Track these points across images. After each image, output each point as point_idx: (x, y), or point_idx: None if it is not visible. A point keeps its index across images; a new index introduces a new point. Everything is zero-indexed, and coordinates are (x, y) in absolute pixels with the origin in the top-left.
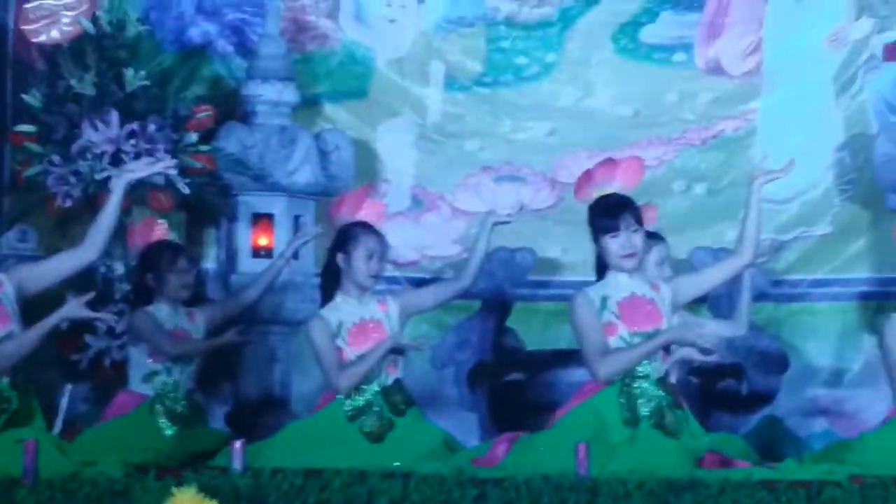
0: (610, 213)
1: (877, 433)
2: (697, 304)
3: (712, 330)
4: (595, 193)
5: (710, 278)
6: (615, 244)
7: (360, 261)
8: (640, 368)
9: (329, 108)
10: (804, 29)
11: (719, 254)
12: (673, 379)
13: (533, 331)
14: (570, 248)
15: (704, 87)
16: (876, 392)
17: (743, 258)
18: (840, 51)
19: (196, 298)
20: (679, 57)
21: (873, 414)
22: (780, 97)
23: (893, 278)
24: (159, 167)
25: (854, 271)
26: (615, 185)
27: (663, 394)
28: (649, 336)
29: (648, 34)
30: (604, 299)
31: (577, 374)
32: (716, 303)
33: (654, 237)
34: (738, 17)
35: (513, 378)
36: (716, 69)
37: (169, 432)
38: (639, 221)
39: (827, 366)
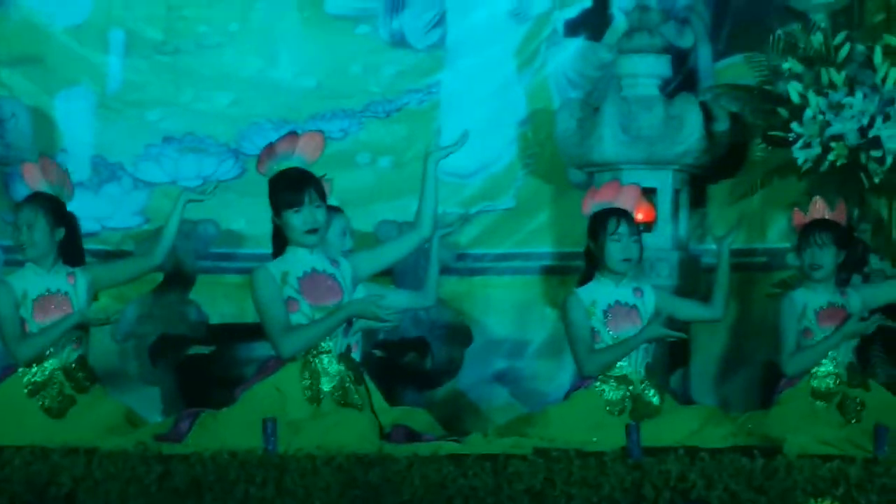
0: (292, 187)
1: (560, 406)
2: (383, 276)
3: (395, 301)
4: (276, 167)
5: (390, 253)
6: (298, 219)
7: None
8: (322, 344)
9: (4, 75)
10: (487, 3)
11: (405, 227)
12: (357, 353)
13: (217, 304)
14: (254, 220)
15: (388, 59)
16: (559, 365)
17: (421, 233)
18: (522, 25)
19: None
20: (363, 28)
21: (556, 387)
22: (463, 71)
23: (576, 252)
24: None
25: (537, 245)
26: (296, 158)
27: (345, 369)
28: (330, 311)
29: (333, 5)
30: (284, 275)
31: (261, 348)
32: (402, 275)
33: (332, 210)
34: None
35: (196, 352)
36: (400, 42)
37: None
38: (322, 197)
39: (510, 339)
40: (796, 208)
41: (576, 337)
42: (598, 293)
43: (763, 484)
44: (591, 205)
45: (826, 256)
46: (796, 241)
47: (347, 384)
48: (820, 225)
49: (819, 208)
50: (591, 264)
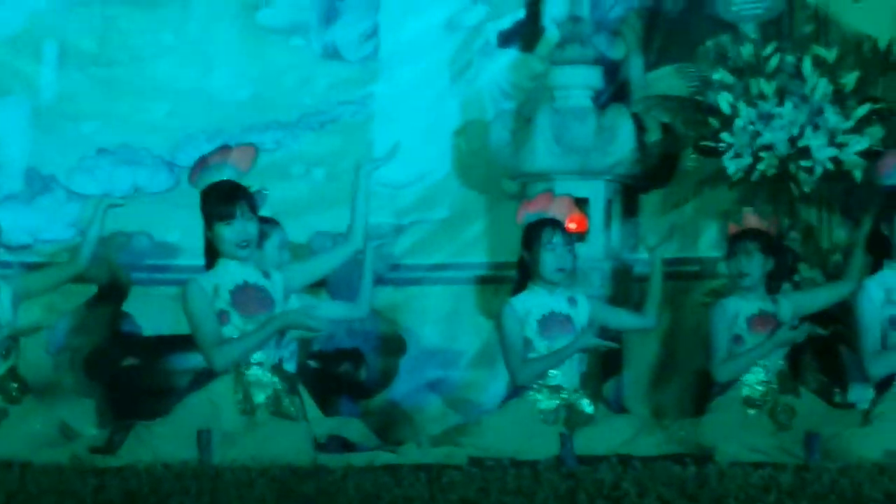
0: (224, 200)
1: (494, 415)
2: (317, 287)
3: (327, 312)
4: (208, 179)
5: (322, 265)
6: (229, 232)
7: None
8: (253, 356)
9: None
10: (420, 14)
11: (339, 238)
12: (291, 364)
13: (151, 315)
14: (189, 232)
15: (322, 71)
16: (493, 375)
17: (353, 245)
18: (455, 37)
19: None
20: (297, 41)
21: (491, 396)
22: (397, 82)
23: (510, 262)
24: None
25: (471, 255)
26: (228, 170)
27: (278, 380)
28: (262, 322)
29: (266, 17)
30: (216, 287)
31: (195, 360)
32: (336, 286)
33: (269, 222)
34: (354, 2)
35: (130, 363)
36: (333, 54)
37: None
38: (254, 209)
39: (444, 349)
40: (731, 223)
41: (509, 347)
42: (532, 303)
43: (695, 492)
44: (525, 215)
45: (753, 265)
46: (726, 250)
47: (281, 395)
48: (747, 234)
49: (751, 220)
50: (523, 274)
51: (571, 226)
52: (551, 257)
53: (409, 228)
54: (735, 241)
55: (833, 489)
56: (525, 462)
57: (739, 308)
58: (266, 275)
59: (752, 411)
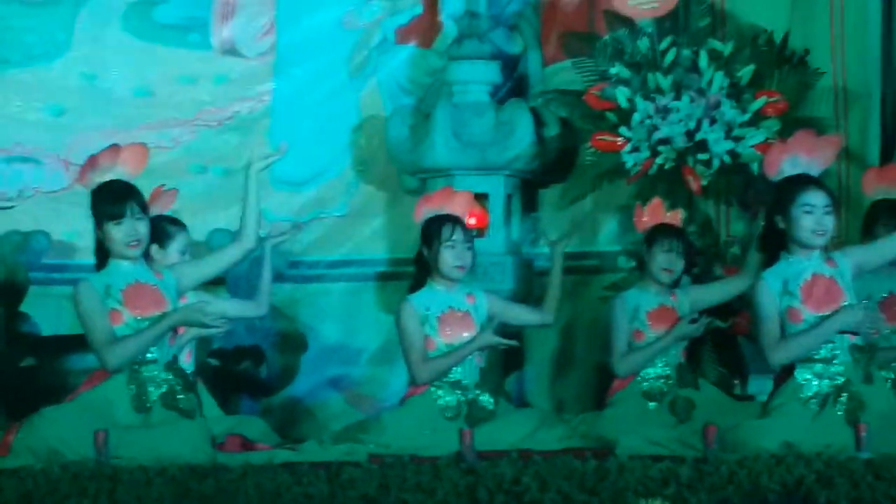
0: (113, 199)
1: (394, 412)
2: (216, 285)
3: (224, 309)
4: (98, 179)
5: (214, 264)
6: (119, 232)
7: None
8: (147, 354)
9: None
10: (317, 11)
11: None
12: (189, 361)
13: (48, 315)
14: (85, 230)
15: (219, 68)
16: (393, 371)
17: (245, 244)
18: (353, 33)
19: None
20: (193, 37)
21: (391, 393)
22: (294, 79)
23: (409, 258)
24: None
25: (371, 252)
26: (119, 170)
27: (173, 377)
28: (155, 320)
29: (162, 14)
30: (107, 287)
31: (93, 360)
32: (234, 283)
33: (175, 224)
34: None
35: (28, 364)
36: (230, 50)
37: None
38: (143, 209)
39: (344, 346)
40: (638, 205)
41: (409, 345)
42: (432, 300)
43: (595, 485)
44: (425, 211)
45: (679, 262)
46: (643, 240)
47: (177, 392)
48: (673, 230)
49: (659, 210)
50: (422, 271)
51: (471, 221)
52: (452, 254)
53: (308, 225)
54: (661, 236)
55: (731, 480)
56: (425, 458)
57: (640, 301)
58: (158, 274)
59: (651, 404)
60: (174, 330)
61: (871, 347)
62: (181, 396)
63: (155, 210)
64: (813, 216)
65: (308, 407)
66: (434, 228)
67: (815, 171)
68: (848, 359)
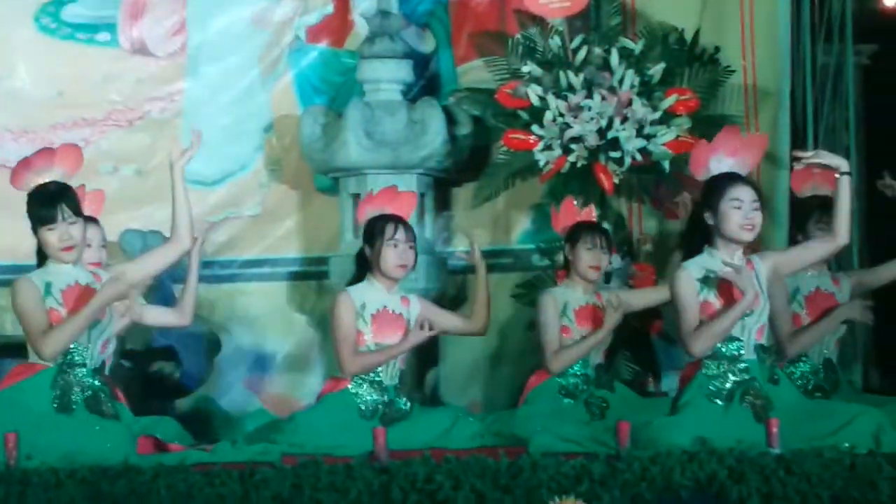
0: (45, 204)
1: (308, 412)
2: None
3: (153, 318)
4: (34, 181)
5: (149, 265)
6: (52, 236)
7: None
8: (76, 357)
9: None
10: (228, 9)
11: (149, 236)
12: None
13: None
14: (2, 231)
15: (129, 67)
16: (308, 371)
17: (180, 243)
18: (264, 32)
19: None
20: (103, 37)
21: (306, 393)
22: (205, 78)
23: (322, 257)
24: None
25: (284, 251)
26: (56, 172)
27: (99, 384)
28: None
29: (71, 13)
30: (48, 286)
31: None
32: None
33: (89, 220)
34: None
35: None
36: (141, 49)
37: None
38: (76, 212)
39: (259, 346)
40: (553, 207)
41: (342, 336)
42: (368, 297)
43: (509, 483)
44: (368, 211)
45: (605, 258)
46: (565, 239)
47: (101, 399)
48: (594, 227)
49: (572, 209)
50: (362, 269)
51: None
52: (393, 253)
53: (220, 225)
54: (587, 234)
55: (644, 477)
56: (339, 458)
57: (568, 298)
58: (97, 275)
59: (568, 401)
60: (101, 331)
61: (775, 349)
62: (106, 403)
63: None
64: (741, 211)
65: (223, 408)
66: (377, 227)
67: (740, 170)
68: (753, 358)
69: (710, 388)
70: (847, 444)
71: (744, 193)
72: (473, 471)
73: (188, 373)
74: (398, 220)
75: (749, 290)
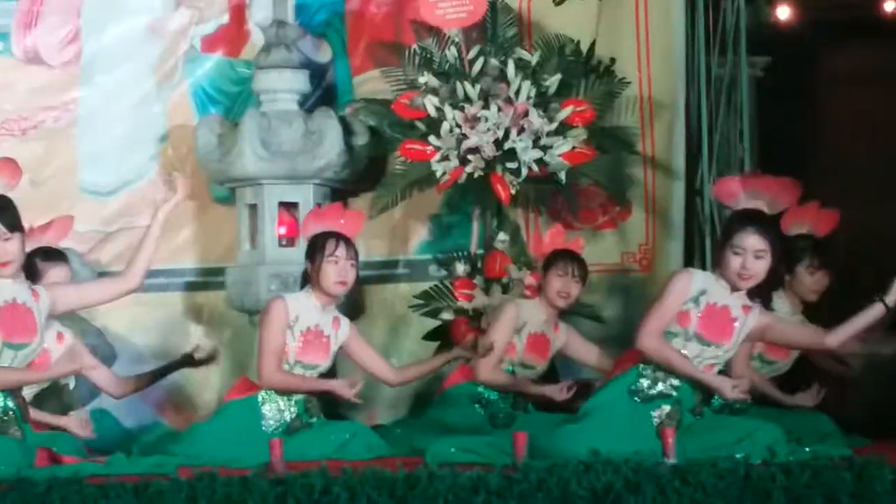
0: None
1: (206, 424)
2: None
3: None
4: None
5: (93, 295)
6: None
7: None
8: None
9: None
10: (123, 18)
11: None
12: None
13: None
14: None
15: (22, 76)
16: (205, 382)
17: (131, 282)
18: (159, 41)
19: None
20: None
21: (204, 403)
22: (100, 88)
23: (217, 268)
24: None
25: (180, 262)
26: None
27: (14, 405)
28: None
29: None
30: None
31: None
32: None
33: (57, 259)
34: (54, 6)
35: None
36: (34, 58)
37: None
38: (11, 228)
39: (155, 355)
40: (538, 231)
41: (268, 342)
42: (303, 311)
43: (405, 494)
44: (312, 227)
45: (576, 287)
46: (542, 265)
47: (14, 420)
48: (571, 256)
49: (560, 236)
50: (304, 283)
51: (282, 230)
52: (333, 269)
53: (115, 235)
54: (562, 263)
55: (541, 488)
56: (234, 470)
57: (530, 320)
58: (35, 293)
59: (478, 409)
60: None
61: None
62: (13, 426)
63: (47, 241)
64: (740, 259)
65: (118, 420)
66: (318, 242)
67: (769, 209)
68: (689, 385)
69: (637, 385)
70: (740, 455)
71: (748, 242)
72: (370, 482)
73: (83, 384)
74: (339, 237)
75: (724, 390)
